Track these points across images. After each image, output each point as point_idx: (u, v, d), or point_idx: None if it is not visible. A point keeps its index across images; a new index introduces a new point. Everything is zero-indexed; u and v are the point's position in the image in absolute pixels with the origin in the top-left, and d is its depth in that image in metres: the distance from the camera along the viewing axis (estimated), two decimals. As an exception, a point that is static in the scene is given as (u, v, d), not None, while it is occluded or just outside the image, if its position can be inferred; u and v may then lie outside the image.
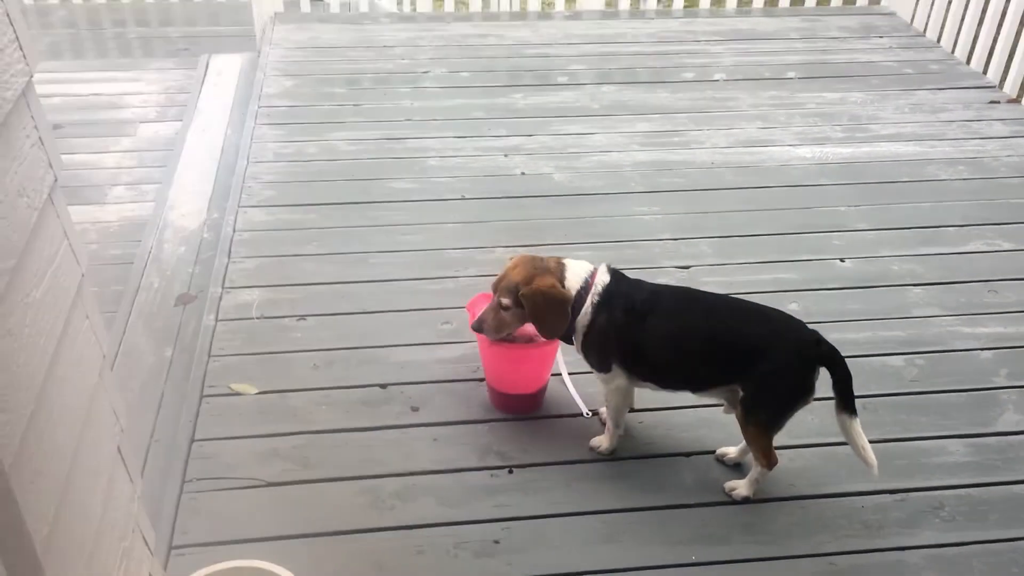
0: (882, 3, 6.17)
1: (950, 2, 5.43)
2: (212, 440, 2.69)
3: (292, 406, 2.82)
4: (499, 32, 5.74)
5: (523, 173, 4.15)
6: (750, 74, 5.16)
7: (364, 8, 6.18)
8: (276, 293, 3.32)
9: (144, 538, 2.01)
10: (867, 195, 4.00)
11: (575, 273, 2.48)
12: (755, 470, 2.49)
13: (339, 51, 5.43)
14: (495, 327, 2.55)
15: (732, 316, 2.47)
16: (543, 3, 6.31)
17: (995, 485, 2.59)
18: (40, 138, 1.50)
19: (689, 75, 5.15)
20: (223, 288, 3.34)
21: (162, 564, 2.28)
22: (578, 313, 2.46)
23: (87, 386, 1.66)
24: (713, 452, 2.67)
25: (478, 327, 2.57)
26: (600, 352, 2.50)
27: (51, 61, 5.63)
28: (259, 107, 4.70)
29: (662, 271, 3.44)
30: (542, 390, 2.84)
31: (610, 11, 6.25)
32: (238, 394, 2.86)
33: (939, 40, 5.54)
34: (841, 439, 2.41)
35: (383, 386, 2.91)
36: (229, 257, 3.51)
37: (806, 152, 4.35)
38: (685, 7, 6.19)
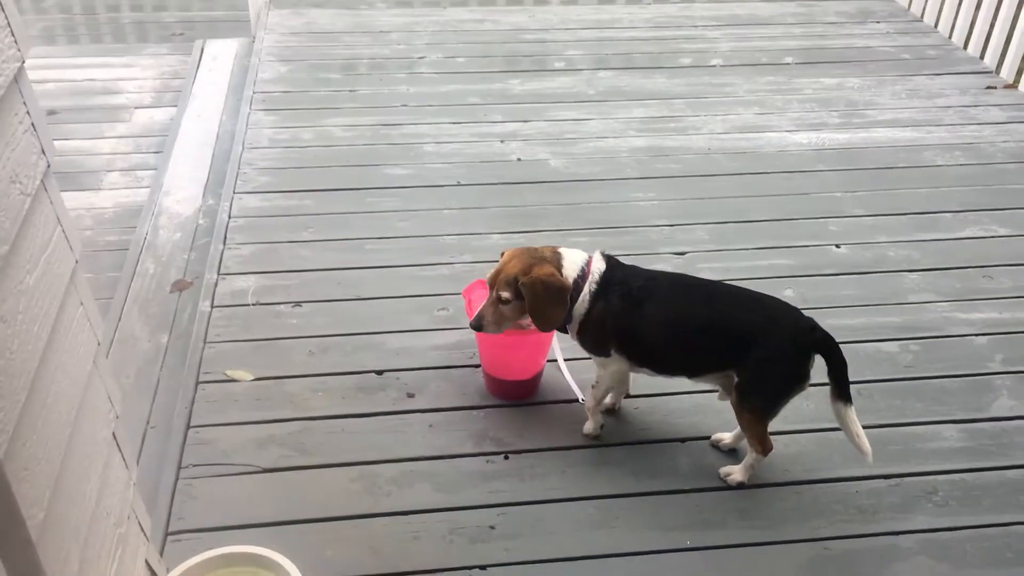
0: (880, -12, 6.15)
1: (948, -13, 5.42)
2: (208, 426, 2.70)
3: (288, 392, 2.83)
4: (495, 17, 5.72)
5: (519, 159, 4.15)
6: (747, 59, 5.15)
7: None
8: (271, 279, 3.31)
9: (140, 524, 2.02)
10: (863, 181, 4.00)
11: (572, 261, 2.47)
12: (750, 456, 2.50)
13: (334, 36, 5.41)
14: (495, 322, 2.51)
15: (728, 303, 2.47)
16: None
17: (989, 470, 2.60)
18: (33, 124, 1.49)
19: (686, 60, 5.14)
20: (218, 274, 3.34)
21: (158, 550, 2.28)
22: (575, 301, 2.45)
23: (81, 373, 1.66)
24: (708, 438, 2.68)
25: (477, 325, 2.52)
26: (598, 338, 2.50)
27: (45, 46, 5.61)
28: (254, 93, 4.68)
29: (658, 257, 3.44)
30: (538, 376, 2.84)
31: (607, -4, 6.23)
32: (234, 380, 2.86)
33: (936, 25, 5.52)
34: (836, 425, 2.41)
35: (379, 372, 2.91)
36: (224, 243, 3.51)
37: (803, 138, 4.34)
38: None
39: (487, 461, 2.61)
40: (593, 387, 2.62)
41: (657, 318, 2.44)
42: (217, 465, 2.57)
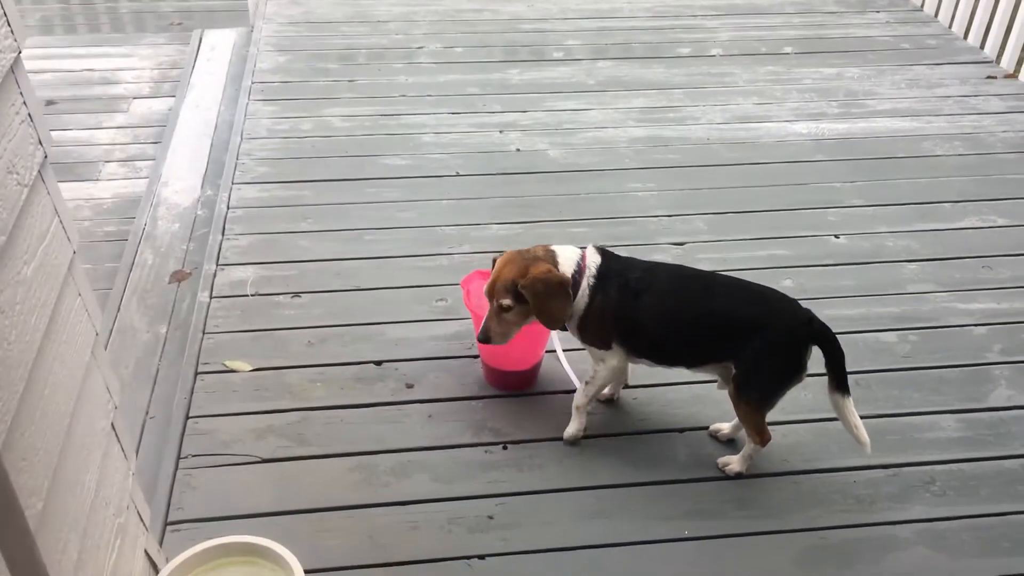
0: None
1: (948, -24, 5.40)
2: (207, 417, 2.70)
3: (287, 383, 2.83)
4: (494, 7, 5.70)
5: (518, 149, 4.14)
6: (746, 49, 5.14)
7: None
8: (270, 270, 3.31)
9: (139, 514, 2.02)
10: (863, 171, 3.99)
11: (567, 257, 2.44)
12: (748, 446, 2.50)
13: (333, 26, 5.39)
14: (502, 332, 2.47)
15: (726, 294, 2.46)
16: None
17: (986, 460, 2.61)
18: (29, 114, 1.49)
19: (685, 50, 5.13)
20: (217, 265, 3.33)
21: (157, 540, 2.29)
22: (575, 296, 2.43)
23: (80, 363, 1.66)
24: (706, 428, 2.68)
25: (485, 338, 2.49)
26: (599, 331, 2.48)
27: (43, 36, 5.59)
28: (253, 83, 4.67)
29: (657, 247, 3.44)
30: (536, 366, 2.84)
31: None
32: (233, 371, 2.87)
33: (937, 14, 5.51)
34: (834, 415, 2.42)
35: (378, 363, 2.91)
36: (223, 234, 3.51)
37: (802, 128, 4.34)
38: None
39: (486, 451, 2.62)
40: (587, 383, 2.58)
41: (656, 308, 2.43)
42: (216, 455, 2.57)
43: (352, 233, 3.53)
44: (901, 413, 2.76)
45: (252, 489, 2.48)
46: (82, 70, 5.01)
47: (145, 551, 2.05)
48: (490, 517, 2.42)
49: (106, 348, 2.94)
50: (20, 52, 1.44)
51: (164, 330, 3.09)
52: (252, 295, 3.20)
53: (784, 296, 2.45)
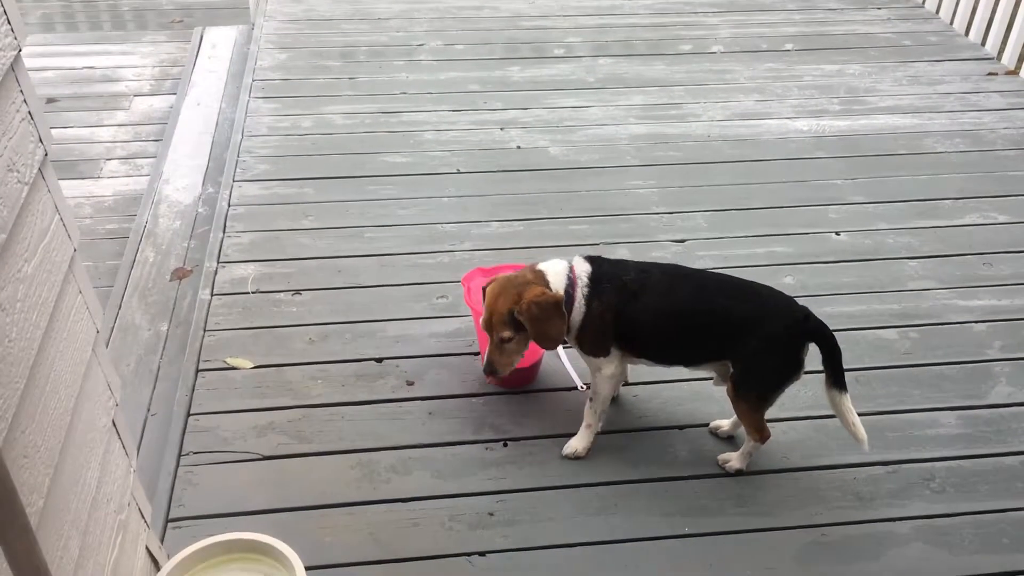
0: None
1: (949, -27, 5.39)
2: (208, 414, 2.71)
3: (288, 380, 2.83)
4: (494, 4, 5.69)
5: (519, 147, 4.14)
6: (747, 46, 5.13)
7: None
8: (271, 267, 3.32)
9: (140, 511, 2.03)
10: (864, 168, 3.99)
11: (555, 273, 2.41)
12: (748, 443, 2.50)
13: (334, 23, 5.39)
14: (506, 363, 2.45)
15: (721, 292, 2.45)
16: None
17: (986, 457, 2.61)
18: (30, 112, 1.49)
19: (686, 47, 5.12)
20: (218, 262, 3.34)
21: (159, 537, 2.30)
22: (571, 309, 2.41)
23: (80, 360, 1.67)
24: (706, 425, 2.69)
25: (491, 370, 2.45)
26: (598, 337, 2.45)
27: (44, 34, 5.60)
28: (253, 80, 4.67)
29: (657, 244, 3.44)
30: (537, 364, 2.85)
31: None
32: (234, 368, 2.87)
33: (938, 11, 5.50)
34: (834, 412, 2.42)
35: (378, 360, 2.92)
36: (224, 231, 3.51)
37: (803, 125, 4.33)
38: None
39: (486, 448, 2.62)
40: (591, 401, 2.55)
41: (652, 308, 2.42)
42: (217, 452, 2.58)
43: (353, 230, 3.54)
44: (901, 410, 2.76)
45: (253, 486, 2.49)
46: (83, 68, 5.01)
47: (146, 548, 2.05)
48: (491, 514, 2.42)
49: (107, 345, 2.95)
50: (20, 50, 1.44)
51: (165, 327, 3.09)
52: (253, 292, 3.20)
53: (780, 293, 2.45)
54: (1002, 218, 3.66)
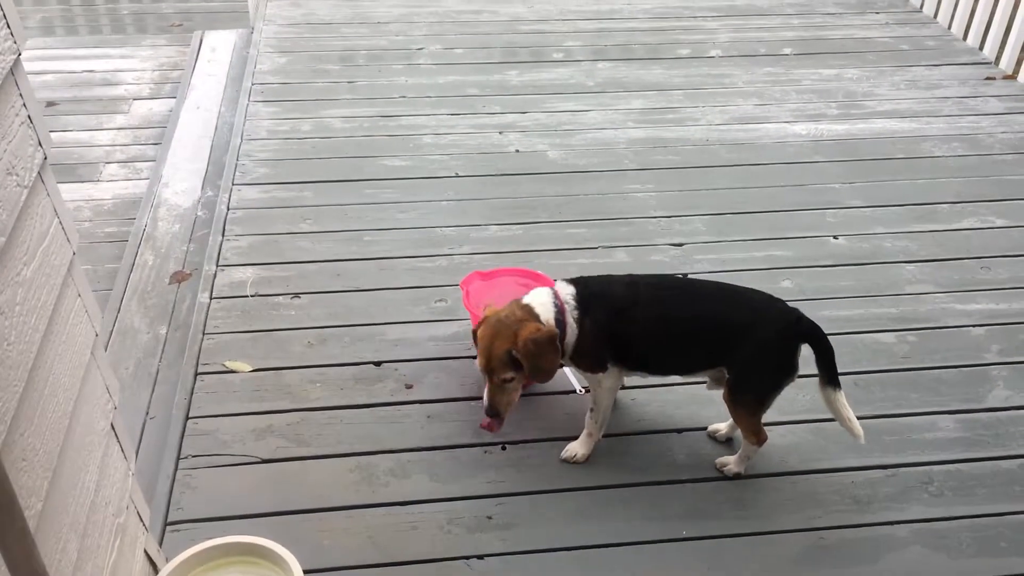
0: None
1: (947, -23, 5.41)
2: (207, 417, 2.71)
3: (286, 383, 2.84)
4: (493, 8, 5.71)
5: (517, 151, 4.15)
6: (746, 50, 5.14)
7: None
8: (270, 271, 3.32)
9: (139, 514, 2.03)
10: (861, 172, 4.00)
11: (542, 303, 2.39)
12: (746, 447, 2.50)
13: (333, 27, 5.40)
14: (508, 402, 2.42)
15: (711, 300, 2.45)
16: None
17: (984, 460, 2.61)
18: (29, 116, 1.50)
19: (684, 51, 5.13)
20: (217, 266, 3.34)
21: (157, 540, 2.29)
22: (564, 335, 2.39)
23: (79, 363, 1.67)
24: (704, 429, 2.69)
25: (493, 413, 2.40)
26: (594, 354, 2.45)
27: (43, 38, 5.59)
28: (253, 84, 4.68)
29: (656, 248, 3.45)
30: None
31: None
32: (233, 371, 2.87)
33: (936, 15, 5.51)
34: (832, 415, 2.42)
35: (377, 363, 2.92)
36: (223, 235, 3.51)
37: (801, 129, 4.34)
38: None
39: (485, 452, 2.62)
40: (592, 411, 2.55)
41: (643, 321, 2.41)
42: (216, 455, 2.58)
43: (352, 234, 3.54)
44: (899, 414, 2.76)
45: (252, 489, 2.49)
46: (83, 71, 5.02)
47: (145, 551, 2.05)
48: (489, 517, 2.42)
49: (106, 349, 2.95)
50: (20, 54, 1.45)
51: (164, 331, 3.09)
52: (252, 296, 3.20)
53: (770, 297, 2.45)
54: (1000, 222, 3.67)
